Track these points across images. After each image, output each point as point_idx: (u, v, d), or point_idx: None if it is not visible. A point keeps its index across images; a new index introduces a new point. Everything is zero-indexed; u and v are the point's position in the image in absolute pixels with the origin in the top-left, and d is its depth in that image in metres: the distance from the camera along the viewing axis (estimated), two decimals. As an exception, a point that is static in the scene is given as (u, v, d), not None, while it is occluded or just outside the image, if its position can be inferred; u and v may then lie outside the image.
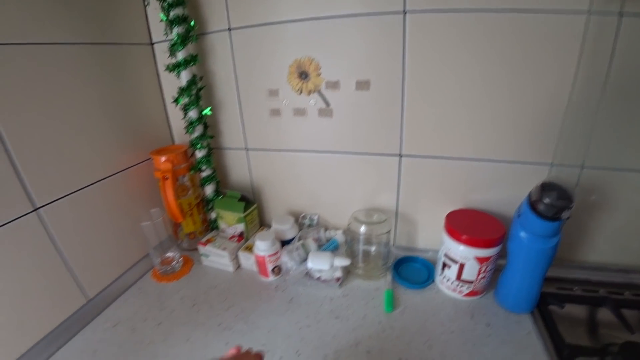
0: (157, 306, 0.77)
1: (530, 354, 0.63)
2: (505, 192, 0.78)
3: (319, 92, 0.80)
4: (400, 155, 0.81)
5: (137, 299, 0.80)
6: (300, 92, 0.81)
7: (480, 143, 0.75)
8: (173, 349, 0.66)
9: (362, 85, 0.77)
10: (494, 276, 0.75)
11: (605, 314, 0.70)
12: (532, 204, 0.62)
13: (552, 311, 0.70)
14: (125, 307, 0.78)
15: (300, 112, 0.83)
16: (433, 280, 0.81)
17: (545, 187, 0.61)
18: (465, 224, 0.74)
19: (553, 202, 0.59)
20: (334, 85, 0.79)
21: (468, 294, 0.75)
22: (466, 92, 0.71)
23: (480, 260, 0.70)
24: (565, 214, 0.59)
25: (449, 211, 0.79)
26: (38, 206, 0.64)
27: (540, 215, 0.61)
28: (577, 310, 0.72)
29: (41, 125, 0.64)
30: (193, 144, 0.87)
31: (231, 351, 0.49)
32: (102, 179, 0.77)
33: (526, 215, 0.63)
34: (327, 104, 0.81)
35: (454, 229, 0.72)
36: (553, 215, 0.60)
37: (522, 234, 0.65)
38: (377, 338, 0.67)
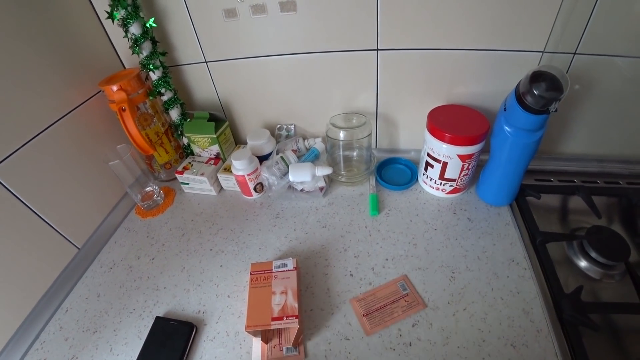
0: (147, 242, 0.78)
1: (507, 242, 0.66)
2: (492, 85, 0.72)
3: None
4: (378, 50, 0.72)
5: (127, 239, 0.80)
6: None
7: (465, 30, 0.66)
8: (172, 279, 0.69)
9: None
10: (476, 172, 0.75)
11: (578, 202, 0.72)
12: (520, 95, 0.57)
13: (529, 202, 0.72)
14: (116, 248, 0.78)
15: (259, 9, 0.71)
16: (416, 180, 0.81)
17: (535, 77, 0.55)
18: (448, 121, 0.70)
19: (542, 94, 0.54)
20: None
21: (451, 192, 0.75)
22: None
23: (463, 157, 0.68)
24: (553, 106, 0.55)
25: (432, 108, 0.74)
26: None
27: (527, 108, 0.57)
28: (552, 200, 0.74)
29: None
30: (145, 65, 0.76)
31: None
32: (51, 124, 0.68)
33: (512, 108, 0.59)
34: (288, -5, 0.68)
35: (437, 127, 0.68)
36: (541, 108, 0.56)
37: (507, 129, 0.62)
38: (365, 242, 0.70)
